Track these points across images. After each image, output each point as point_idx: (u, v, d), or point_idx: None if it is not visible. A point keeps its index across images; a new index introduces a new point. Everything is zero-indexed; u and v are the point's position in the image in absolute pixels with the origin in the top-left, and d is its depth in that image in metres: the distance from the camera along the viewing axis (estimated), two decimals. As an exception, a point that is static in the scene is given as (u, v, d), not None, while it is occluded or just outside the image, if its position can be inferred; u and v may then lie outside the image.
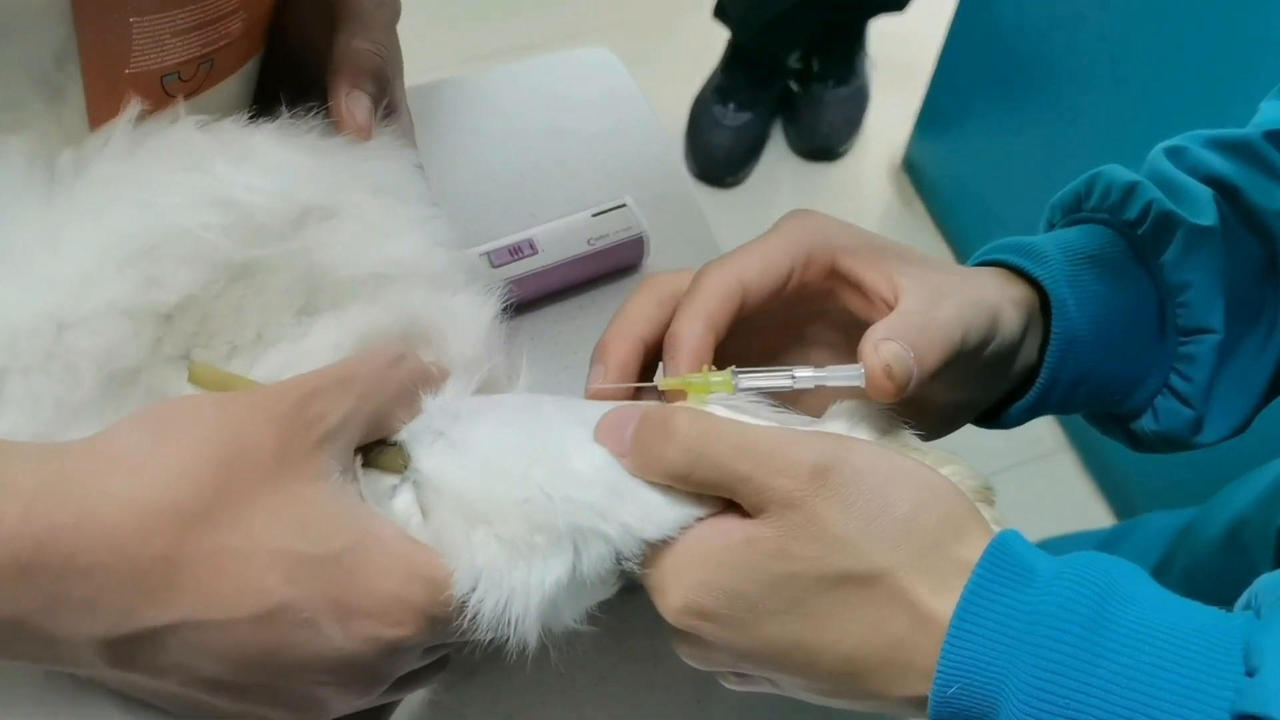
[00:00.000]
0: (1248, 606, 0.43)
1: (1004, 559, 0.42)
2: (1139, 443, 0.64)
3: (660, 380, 0.50)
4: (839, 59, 2.00)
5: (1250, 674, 0.38)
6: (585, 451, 0.47)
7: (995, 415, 0.61)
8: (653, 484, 0.46)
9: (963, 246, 1.88)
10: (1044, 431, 1.74)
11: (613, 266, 0.76)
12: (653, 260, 0.76)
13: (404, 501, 0.47)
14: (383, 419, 0.46)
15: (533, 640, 0.46)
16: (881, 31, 2.06)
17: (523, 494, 0.45)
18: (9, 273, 0.44)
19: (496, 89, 0.86)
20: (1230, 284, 0.59)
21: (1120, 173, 0.61)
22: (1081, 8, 1.48)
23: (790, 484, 0.43)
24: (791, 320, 0.56)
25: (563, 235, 0.74)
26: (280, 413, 0.42)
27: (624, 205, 0.76)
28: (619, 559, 0.46)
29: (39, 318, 0.44)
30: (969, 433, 0.59)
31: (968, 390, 0.56)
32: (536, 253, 0.73)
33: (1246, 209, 0.61)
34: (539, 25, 2.12)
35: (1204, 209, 0.60)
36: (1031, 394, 0.58)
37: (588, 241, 0.74)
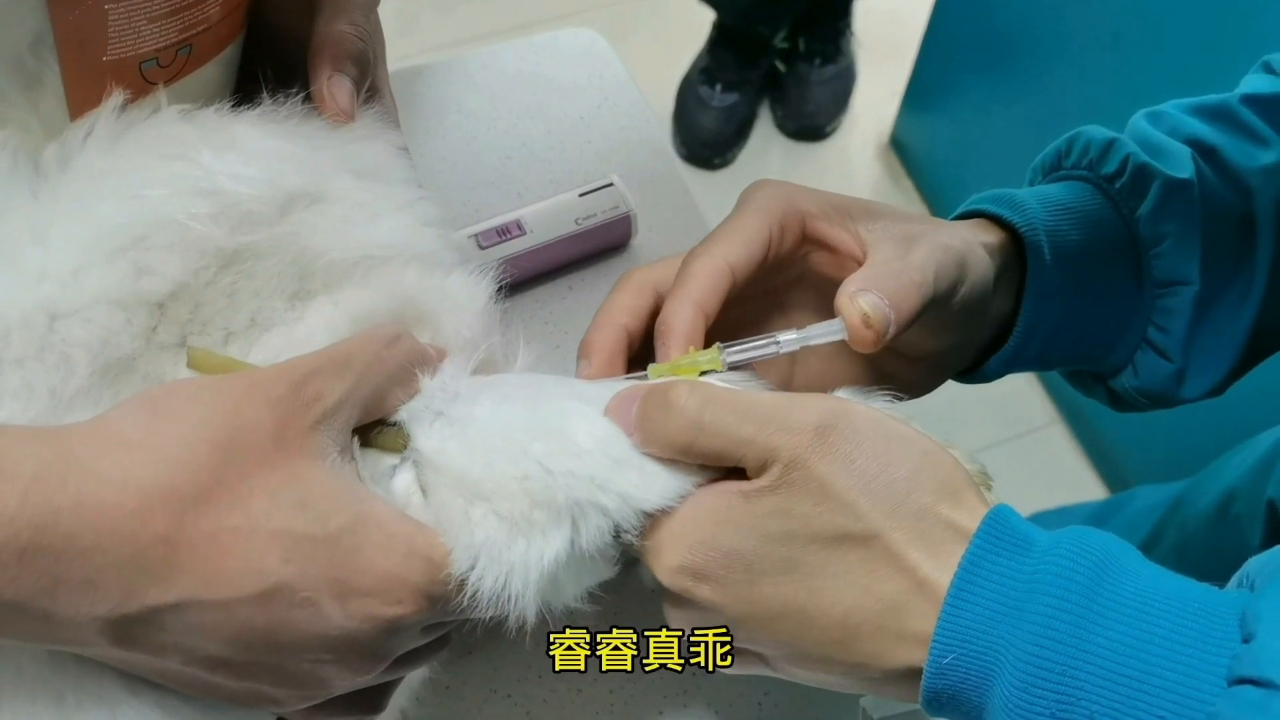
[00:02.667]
0: (1240, 585, 0.43)
1: (1002, 528, 0.42)
2: (1120, 401, 0.64)
3: (651, 369, 0.51)
4: (825, 38, 2.00)
5: (1246, 640, 0.38)
6: (585, 425, 0.47)
7: (975, 369, 0.61)
8: (655, 464, 0.46)
9: (952, 222, 1.88)
10: (1035, 405, 1.74)
11: (601, 246, 0.76)
12: (641, 239, 0.77)
13: (404, 481, 0.47)
14: (380, 399, 0.47)
15: (532, 616, 0.46)
16: (867, 9, 2.06)
17: (522, 470, 0.46)
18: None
19: (482, 71, 0.85)
20: (1206, 237, 0.59)
21: (1099, 131, 0.62)
22: (1066, -20, 1.48)
23: (793, 440, 0.43)
24: (770, 288, 0.56)
25: (550, 215, 0.74)
26: (278, 394, 0.43)
27: (611, 184, 0.76)
28: (618, 531, 0.46)
29: (30, 310, 0.44)
30: (962, 407, 0.60)
31: (946, 336, 0.57)
32: (525, 233, 0.73)
33: (1224, 167, 0.62)
34: (525, 7, 2.11)
35: (1181, 164, 0.60)
36: (1010, 342, 0.59)
37: (575, 221, 0.74)
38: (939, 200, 1.90)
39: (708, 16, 1.97)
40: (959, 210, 0.61)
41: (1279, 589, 0.38)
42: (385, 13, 0.62)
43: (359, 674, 0.45)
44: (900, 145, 1.98)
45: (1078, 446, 1.71)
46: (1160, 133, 0.62)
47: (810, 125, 2.01)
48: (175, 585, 0.40)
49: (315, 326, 0.49)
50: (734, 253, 0.52)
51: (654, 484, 0.46)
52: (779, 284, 0.57)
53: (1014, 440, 1.71)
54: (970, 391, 0.64)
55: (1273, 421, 0.91)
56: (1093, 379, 0.65)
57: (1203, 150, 0.62)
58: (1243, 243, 0.61)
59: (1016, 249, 0.58)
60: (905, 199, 1.95)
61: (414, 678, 0.55)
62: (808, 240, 0.54)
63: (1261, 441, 0.93)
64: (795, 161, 2.01)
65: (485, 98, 0.84)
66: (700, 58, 2.00)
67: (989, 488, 0.48)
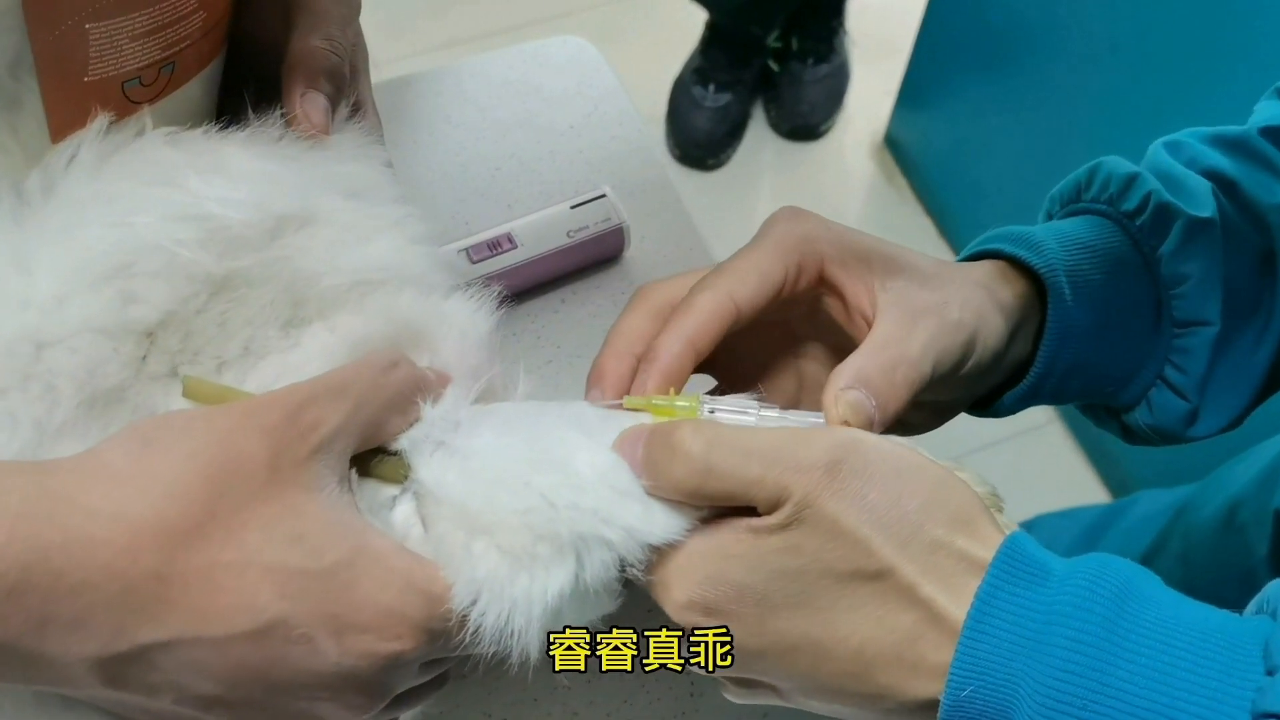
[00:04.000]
0: (1260, 611, 0.42)
1: (1018, 558, 0.41)
2: (1132, 435, 0.64)
3: (627, 400, 0.50)
4: (818, 36, 1.99)
5: (1271, 673, 0.37)
6: (587, 456, 0.46)
7: (988, 403, 0.61)
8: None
9: (946, 221, 1.88)
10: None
11: (594, 258, 0.75)
12: (634, 250, 0.76)
13: (404, 512, 0.47)
14: (378, 427, 0.46)
15: (535, 653, 0.45)
16: (861, 7, 2.05)
17: (525, 503, 0.45)
18: None
19: (471, 80, 0.85)
20: (1228, 277, 0.59)
21: (1120, 164, 0.61)
22: (1060, -22, 1.48)
23: (804, 479, 0.42)
24: (782, 318, 0.56)
25: (542, 228, 0.74)
26: (272, 423, 0.42)
27: (603, 196, 0.75)
28: (623, 566, 0.45)
29: (13, 338, 0.43)
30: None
31: (953, 393, 0.56)
32: (516, 247, 0.73)
33: (1244, 203, 0.61)
34: (515, 10, 2.10)
35: (1203, 202, 0.59)
36: (1025, 383, 0.58)
37: (567, 234, 0.73)
38: (933, 198, 1.90)
39: (700, 17, 1.96)
40: (974, 246, 0.60)
41: None
42: (373, 15, 0.61)
43: (357, 712, 0.44)
44: (894, 144, 1.98)
45: (1076, 446, 1.71)
46: (1179, 164, 0.61)
47: (804, 124, 2.00)
48: (167, 623, 0.39)
49: (311, 353, 0.48)
50: (743, 291, 0.51)
51: (659, 517, 0.45)
52: (792, 315, 0.56)
53: (1012, 440, 1.70)
54: None
55: (1276, 429, 0.91)
56: (1106, 412, 0.64)
57: (1223, 184, 0.61)
58: (1262, 279, 0.61)
59: (1036, 291, 0.58)
60: (900, 197, 1.94)
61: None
62: (823, 283, 0.54)
63: (1266, 450, 0.92)
64: (789, 161, 2.00)
65: (474, 108, 0.83)
66: (693, 58, 1.99)
67: (1000, 509, 0.47)
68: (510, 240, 0.73)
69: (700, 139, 1.94)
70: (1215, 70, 1.26)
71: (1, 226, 0.44)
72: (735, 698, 0.49)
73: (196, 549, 0.39)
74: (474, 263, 0.71)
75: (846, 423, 0.48)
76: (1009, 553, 0.41)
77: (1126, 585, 0.40)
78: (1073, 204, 0.63)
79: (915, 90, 1.88)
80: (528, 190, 0.79)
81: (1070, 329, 0.57)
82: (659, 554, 0.45)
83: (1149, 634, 0.39)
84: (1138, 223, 0.59)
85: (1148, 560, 0.42)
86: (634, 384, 0.51)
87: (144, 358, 0.46)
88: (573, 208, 0.74)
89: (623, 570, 0.45)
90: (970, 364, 0.54)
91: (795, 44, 1.98)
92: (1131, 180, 0.60)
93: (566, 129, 0.82)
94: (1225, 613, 0.40)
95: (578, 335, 0.73)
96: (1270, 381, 0.62)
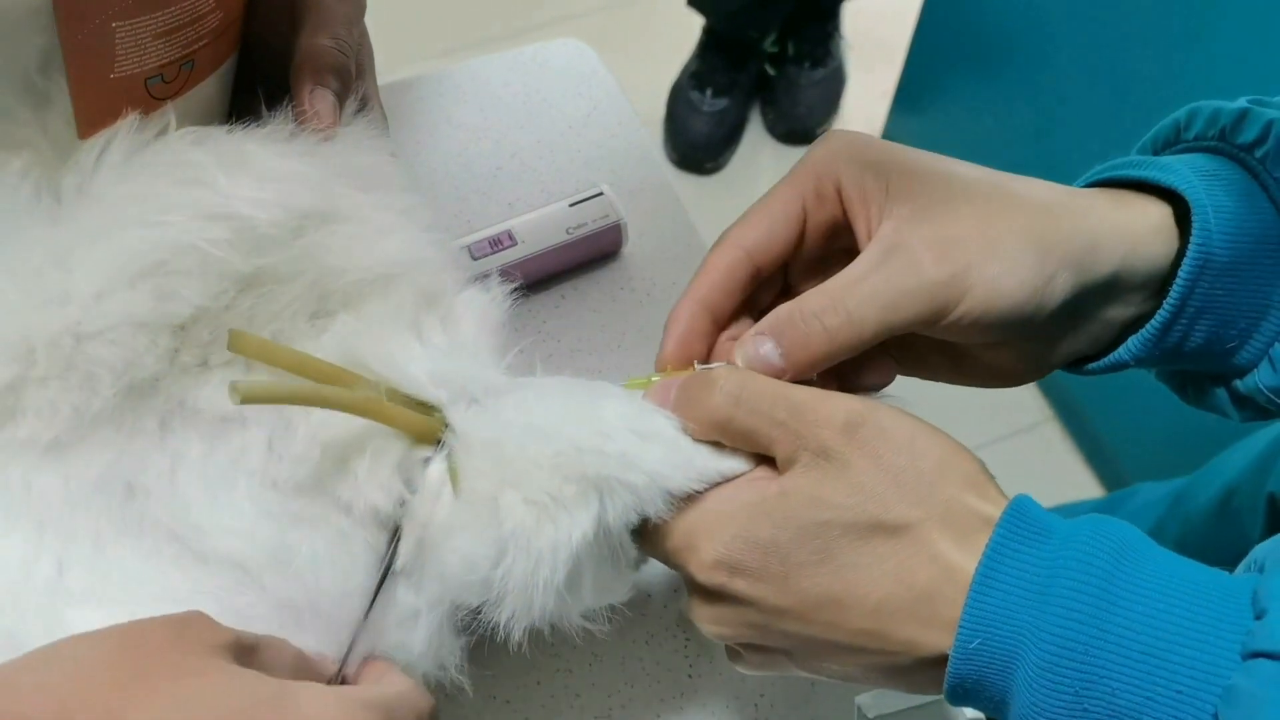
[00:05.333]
0: (1248, 569, 0.44)
1: (1023, 516, 0.43)
2: (1245, 404, 0.56)
3: (627, 382, 0.51)
4: (814, 41, 2.01)
5: (1259, 617, 0.39)
6: (615, 405, 0.48)
7: (1100, 358, 0.54)
8: (685, 441, 0.47)
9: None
10: (1029, 403, 1.75)
11: (592, 254, 0.77)
12: (632, 246, 0.77)
13: (437, 470, 0.48)
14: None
15: (550, 607, 0.47)
16: (856, 10, 2.07)
17: (554, 448, 0.47)
18: (22, 291, 0.45)
19: (471, 83, 0.86)
20: None
21: (1223, 103, 0.54)
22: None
23: (825, 434, 0.44)
24: (826, 253, 0.53)
25: (541, 225, 0.75)
26: None
27: (600, 194, 0.77)
28: (643, 514, 0.47)
29: (57, 332, 0.45)
30: (955, 405, 0.57)
31: (1026, 345, 0.51)
32: (516, 244, 0.74)
33: None
34: (515, 15, 2.12)
35: None
36: (1156, 321, 0.51)
37: (566, 230, 0.75)
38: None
39: (697, 22, 1.97)
40: (1088, 177, 0.54)
41: None
42: (374, 22, 0.62)
43: None
44: (890, 147, 1.98)
45: (1072, 444, 1.72)
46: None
47: (801, 128, 2.02)
48: None
49: (338, 337, 0.50)
50: (752, 236, 0.50)
51: (681, 462, 0.47)
52: (835, 251, 0.52)
53: (1008, 439, 1.72)
54: (963, 390, 0.61)
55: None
56: (1210, 381, 0.57)
57: None
58: None
59: (1155, 225, 0.51)
60: (895, 201, 1.95)
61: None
62: (843, 211, 0.50)
63: (1260, 438, 0.93)
64: (786, 164, 1.97)
65: (475, 109, 0.85)
66: (690, 63, 2.01)
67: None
68: (510, 237, 0.74)
69: (698, 142, 1.95)
70: (1210, 73, 1.27)
71: (40, 226, 0.46)
72: (747, 669, 0.50)
73: None
74: (475, 259, 0.73)
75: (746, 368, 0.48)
76: (1015, 511, 0.43)
77: (1125, 542, 0.42)
78: (1172, 146, 0.55)
79: (911, 94, 1.89)
80: (528, 190, 0.80)
81: (1210, 258, 0.50)
82: (684, 514, 0.47)
83: (1146, 586, 0.41)
84: (1259, 153, 0.52)
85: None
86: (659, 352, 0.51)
87: (177, 350, 0.48)
88: (571, 205, 0.76)
89: (644, 522, 0.47)
90: (1022, 312, 0.47)
91: (791, 48, 2.00)
92: (1245, 113, 0.53)
93: (565, 129, 0.84)
94: (1216, 570, 0.42)
95: (577, 330, 0.74)
96: None
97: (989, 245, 0.47)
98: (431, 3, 2.11)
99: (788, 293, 0.54)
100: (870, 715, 0.60)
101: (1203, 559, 0.43)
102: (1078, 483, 1.69)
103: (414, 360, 0.49)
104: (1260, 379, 0.54)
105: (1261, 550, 0.43)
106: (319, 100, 0.54)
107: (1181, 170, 0.50)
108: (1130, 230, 0.50)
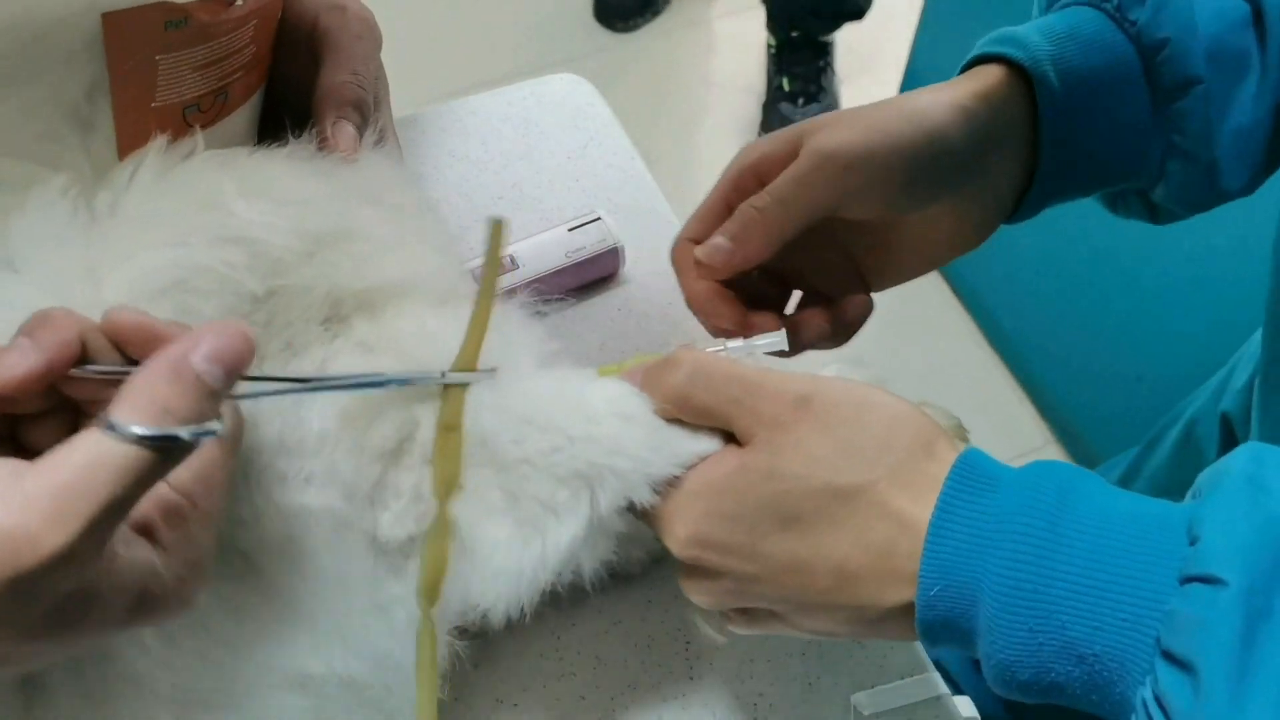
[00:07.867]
0: (1194, 499, 0.46)
1: (971, 470, 0.47)
2: (1159, 214, 0.67)
3: (599, 369, 0.55)
4: (806, 77, 2.06)
5: (1193, 543, 0.42)
6: (600, 390, 0.52)
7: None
8: (662, 424, 0.51)
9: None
10: (1030, 426, 1.78)
11: (591, 277, 0.79)
12: (630, 269, 0.80)
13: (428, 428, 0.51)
14: None
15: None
16: (847, 46, 2.11)
17: (549, 443, 0.50)
18: (56, 301, 0.47)
19: (473, 116, 0.89)
20: (1210, 33, 0.61)
21: None
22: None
23: (776, 409, 0.48)
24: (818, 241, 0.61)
25: (542, 250, 0.78)
26: None
27: (599, 219, 0.80)
28: (630, 499, 0.50)
29: None
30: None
31: (960, 202, 0.61)
32: (518, 268, 0.77)
33: None
34: (519, 56, 2.16)
35: None
36: (1041, 168, 0.62)
37: (566, 254, 0.78)
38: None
39: (692, 65, 2.02)
40: (967, 58, 0.65)
41: (1219, 494, 0.43)
42: (387, 65, 0.66)
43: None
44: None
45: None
46: None
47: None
48: None
49: (352, 340, 0.52)
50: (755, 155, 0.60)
51: (659, 444, 0.50)
52: (830, 252, 0.62)
53: (1011, 462, 1.73)
54: (965, 414, 0.66)
55: (1229, 353, 0.92)
56: (1134, 195, 0.68)
57: None
58: (1248, 38, 0.62)
59: (1026, 84, 0.61)
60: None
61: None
62: None
63: (1220, 371, 0.94)
64: None
65: (477, 142, 0.88)
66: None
67: (965, 440, 0.52)
68: (512, 261, 0.77)
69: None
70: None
71: (75, 241, 0.49)
72: (741, 629, 0.54)
73: None
74: (479, 282, 0.75)
75: (702, 265, 0.58)
76: (963, 466, 0.47)
77: (1067, 483, 0.45)
78: (1055, 2, 0.66)
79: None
80: (528, 217, 0.83)
81: (1065, 109, 0.61)
82: (663, 497, 0.50)
83: (1087, 523, 0.44)
84: (1115, 2, 0.62)
85: (1122, 486, 0.47)
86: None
87: None
88: (570, 230, 0.79)
89: (631, 509, 0.51)
90: (923, 176, 0.58)
91: (785, 84, 2.05)
92: None
93: (564, 159, 0.87)
94: (1158, 500, 0.45)
95: (577, 350, 0.77)
96: (1277, 143, 0.64)
97: (849, 127, 0.59)
98: (437, 48, 2.16)
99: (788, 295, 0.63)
100: (866, 713, 0.62)
101: (1170, 494, 0.46)
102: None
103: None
104: (1162, 194, 0.65)
105: (1202, 477, 0.46)
106: (340, 132, 0.57)
107: (1033, 41, 0.61)
108: (956, 93, 0.60)
